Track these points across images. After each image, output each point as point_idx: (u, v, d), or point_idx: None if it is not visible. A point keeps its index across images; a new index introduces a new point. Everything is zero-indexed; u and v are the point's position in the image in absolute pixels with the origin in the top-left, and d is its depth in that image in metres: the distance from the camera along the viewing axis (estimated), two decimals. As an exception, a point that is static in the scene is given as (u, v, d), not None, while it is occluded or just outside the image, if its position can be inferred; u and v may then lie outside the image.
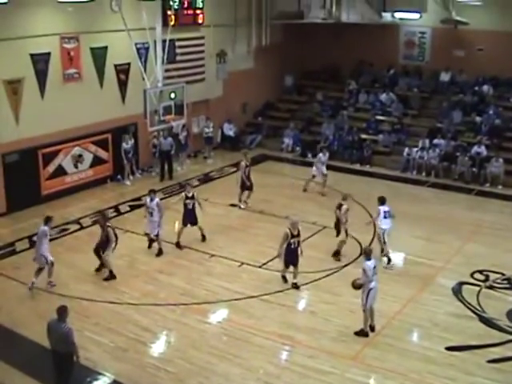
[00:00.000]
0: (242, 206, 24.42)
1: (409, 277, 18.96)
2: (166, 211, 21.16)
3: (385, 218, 19.72)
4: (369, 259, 15.61)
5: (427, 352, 15.02)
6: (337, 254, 20.27)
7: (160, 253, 20.34)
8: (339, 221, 20.19)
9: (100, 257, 18.97)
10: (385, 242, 19.90)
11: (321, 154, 26.74)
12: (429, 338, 15.67)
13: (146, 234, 20.73)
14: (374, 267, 15.58)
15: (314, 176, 26.49)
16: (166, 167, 28.05)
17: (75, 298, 17.29)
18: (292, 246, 17.88)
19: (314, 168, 26.51)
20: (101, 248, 18.85)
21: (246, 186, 24.32)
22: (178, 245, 20.91)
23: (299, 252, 18.11)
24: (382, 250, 19.86)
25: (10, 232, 22.11)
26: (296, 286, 18.26)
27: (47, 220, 18.19)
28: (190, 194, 20.95)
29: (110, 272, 18.83)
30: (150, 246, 20.76)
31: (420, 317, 16.64)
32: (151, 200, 20.23)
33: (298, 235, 18.02)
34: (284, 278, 18.53)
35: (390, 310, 16.87)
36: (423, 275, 19.07)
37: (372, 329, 15.94)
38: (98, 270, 19.20)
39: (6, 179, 23.38)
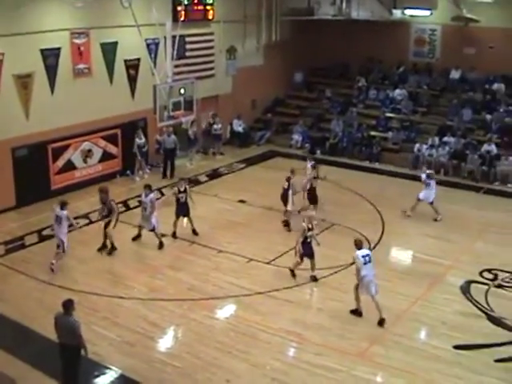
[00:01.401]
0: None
1: (417, 275, 18.92)
2: (171, 206, 21.36)
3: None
4: (359, 249, 16.29)
5: (435, 350, 14.99)
6: (287, 225, 22.04)
7: (161, 245, 20.58)
8: (286, 192, 21.97)
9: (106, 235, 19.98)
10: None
11: (423, 174, 23.67)
12: (437, 337, 15.65)
13: (139, 226, 20.99)
14: (365, 256, 16.07)
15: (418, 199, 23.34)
16: (169, 165, 28.08)
17: (83, 292, 17.33)
18: (308, 240, 18.22)
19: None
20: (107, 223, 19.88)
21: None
22: (173, 235, 21.38)
23: (314, 244, 18.38)
24: None
25: (19, 226, 22.21)
26: (314, 279, 18.44)
27: (64, 204, 18.79)
28: (182, 188, 21.39)
29: (112, 244, 19.89)
30: (135, 239, 21.03)
31: (428, 315, 16.61)
32: (146, 195, 20.57)
33: (313, 229, 18.39)
34: (292, 272, 18.60)
35: (399, 307, 16.85)
36: (432, 273, 19.03)
37: (381, 322, 16.06)
38: (99, 249, 20.16)
39: (16, 173, 23.49)
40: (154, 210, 20.48)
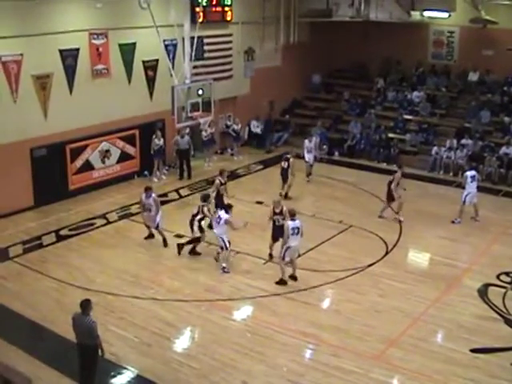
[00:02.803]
0: (402, 219, 23.13)
1: (434, 277, 18.83)
2: (189, 207, 21.37)
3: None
4: (292, 220, 17.85)
5: (451, 353, 14.91)
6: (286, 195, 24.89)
7: (165, 243, 20.69)
8: (286, 171, 24.87)
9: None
10: None
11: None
12: (453, 340, 15.57)
13: (147, 226, 21.15)
14: (294, 228, 17.70)
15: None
16: (185, 166, 28.05)
17: (101, 293, 17.38)
18: (276, 223, 19.32)
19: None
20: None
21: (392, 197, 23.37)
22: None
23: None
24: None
25: (37, 226, 22.30)
26: (270, 257, 19.68)
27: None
28: (223, 180, 22.16)
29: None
30: (147, 237, 21.20)
31: (445, 318, 16.55)
32: (148, 196, 20.62)
33: (281, 213, 19.23)
34: (270, 256, 19.68)
35: (415, 310, 16.82)
36: (449, 276, 18.96)
37: (295, 278, 18.28)
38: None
39: (34, 173, 23.60)
40: (159, 208, 20.64)
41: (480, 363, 14.56)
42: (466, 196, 22.91)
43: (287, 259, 18.09)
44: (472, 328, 16.03)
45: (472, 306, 17.19)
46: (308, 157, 27.58)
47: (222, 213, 19.11)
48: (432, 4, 31.80)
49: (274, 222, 19.42)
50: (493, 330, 15.97)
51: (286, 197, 24.54)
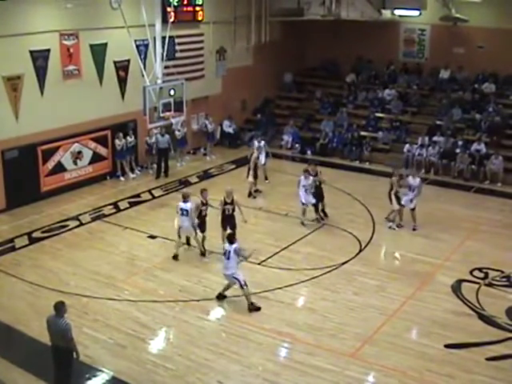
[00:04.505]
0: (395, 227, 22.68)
1: (408, 274, 18.95)
2: (162, 208, 21.28)
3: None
4: (184, 202, 19.51)
5: (426, 349, 15.02)
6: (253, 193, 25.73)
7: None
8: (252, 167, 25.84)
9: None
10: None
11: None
12: (428, 336, 15.67)
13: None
14: (183, 209, 19.36)
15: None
16: (163, 164, 28.07)
17: (74, 295, 17.28)
18: (227, 212, 20.17)
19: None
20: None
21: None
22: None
23: (235, 217, 20.33)
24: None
25: (10, 228, 22.09)
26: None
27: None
28: (204, 200, 20.42)
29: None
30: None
31: (419, 314, 16.65)
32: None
33: (232, 203, 20.14)
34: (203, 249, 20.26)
35: (390, 307, 16.90)
36: (422, 273, 19.09)
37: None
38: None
39: (6, 176, 23.36)
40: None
41: (454, 358, 14.68)
42: (411, 201, 22.45)
43: (182, 238, 19.86)
44: (446, 324, 16.15)
45: (446, 301, 17.32)
46: (260, 158, 26.76)
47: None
48: (403, 2, 31.98)
49: (224, 211, 20.07)
50: (467, 326, 16.11)
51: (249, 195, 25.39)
